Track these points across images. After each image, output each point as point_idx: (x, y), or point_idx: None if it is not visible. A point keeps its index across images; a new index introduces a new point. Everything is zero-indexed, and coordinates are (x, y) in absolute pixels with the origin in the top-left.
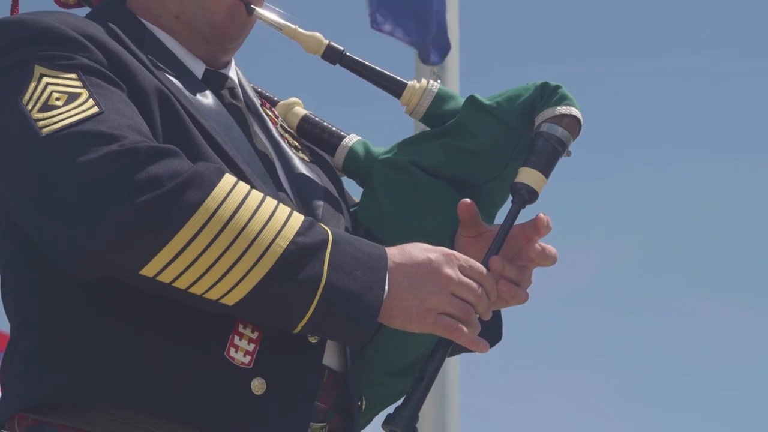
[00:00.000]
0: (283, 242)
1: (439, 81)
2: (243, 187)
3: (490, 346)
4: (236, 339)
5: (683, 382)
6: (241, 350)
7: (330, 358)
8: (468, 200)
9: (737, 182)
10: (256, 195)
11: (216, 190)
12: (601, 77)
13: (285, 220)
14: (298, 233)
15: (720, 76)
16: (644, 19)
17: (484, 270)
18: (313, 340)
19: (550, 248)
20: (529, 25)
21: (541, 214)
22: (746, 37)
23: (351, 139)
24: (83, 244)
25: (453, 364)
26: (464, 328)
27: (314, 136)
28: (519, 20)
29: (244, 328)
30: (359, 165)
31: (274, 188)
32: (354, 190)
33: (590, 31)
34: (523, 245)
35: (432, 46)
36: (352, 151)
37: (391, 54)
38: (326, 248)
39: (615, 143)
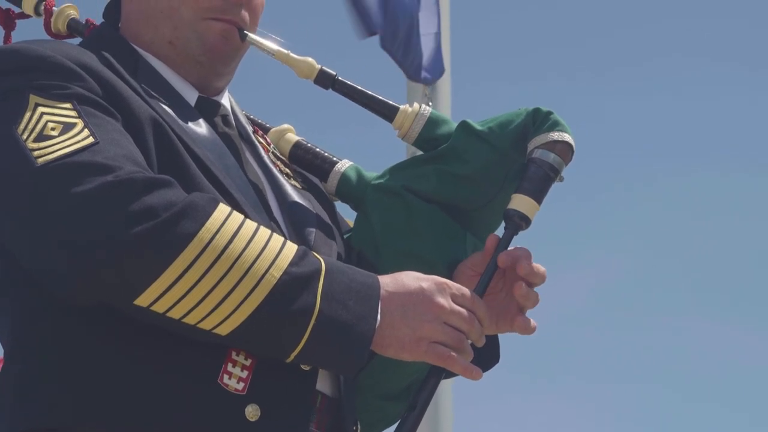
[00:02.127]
0: (276, 272)
1: (431, 104)
2: (237, 217)
3: (488, 369)
4: (230, 366)
5: (681, 404)
6: (235, 377)
7: (323, 383)
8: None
9: (731, 197)
10: (250, 225)
11: (210, 220)
12: (590, 93)
13: (278, 250)
14: (292, 263)
15: (710, 87)
16: (632, 32)
17: (477, 297)
18: (306, 367)
19: (539, 266)
20: (520, 42)
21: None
22: (740, 46)
23: (343, 165)
24: (78, 273)
25: (446, 389)
26: (457, 356)
27: (306, 162)
28: (510, 38)
29: (237, 355)
30: (352, 190)
31: (266, 217)
32: (348, 213)
33: (581, 48)
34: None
35: (425, 66)
36: (344, 177)
37: (381, 72)
38: (319, 278)
39: (606, 160)
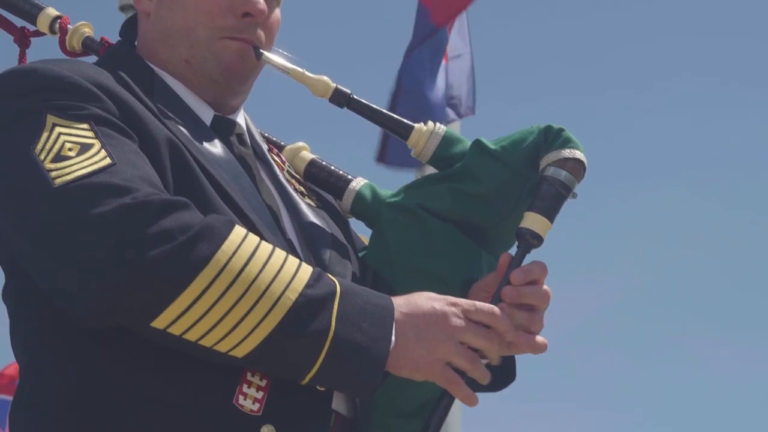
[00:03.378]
0: (292, 294)
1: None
2: (252, 239)
3: (505, 387)
4: (245, 387)
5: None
6: (250, 398)
7: (338, 402)
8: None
9: (728, 217)
10: (266, 247)
11: (226, 243)
12: (597, 111)
13: (294, 272)
14: (307, 285)
15: (722, 107)
16: (640, 52)
17: (493, 308)
18: (321, 387)
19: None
20: (529, 62)
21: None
22: (738, 68)
23: (358, 183)
24: (94, 295)
25: (455, 412)
26: (462, 383)
27: (321, 180)
28: (519, 57)
29: (253, 375)
30: (367, 208)
31: (281, 237)
32: (363, 230)
33: (588, 68)
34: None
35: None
36: (359, 195)
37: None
38: (334, 300)
39: (610, 179)
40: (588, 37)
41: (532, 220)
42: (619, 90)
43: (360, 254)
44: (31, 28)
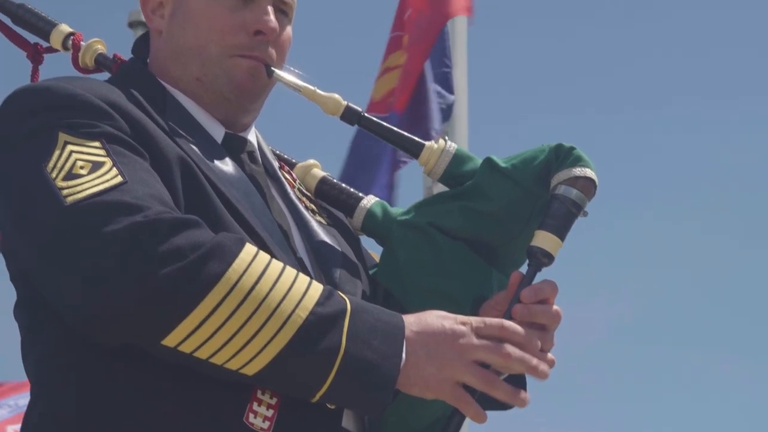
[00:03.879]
0: (302, 313)
1: (447, 138)
2: (263, 257)
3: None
4: (255, 405)
5: None
6: (260, 416)
7: (348, 420)
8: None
9: (743, 229)
10: (276, 265)
11: (237, 261)
12: (608, 128)
13: (304, 290)
14: (318, 303)
15: (735, 125)
16: (650, 69)
17: (501, 322)
18: (331, 405)
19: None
20: (537, 79)
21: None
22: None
23: (369, 201)
24: (106, 313)
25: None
26: (472, 401)
27: (332, 198)
28: (527, 74)
29: (263, 393)
30: (377, 226)
31: (292, 255)
32: (373, 247)
33: (595, 85)
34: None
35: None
36: (370, 213)
37: None
38: (345, 318)
39: (623, 196)
40: (594, 54)
41: (543, 239)
42: (633, 105)
43: (371, 272)
44: (44, 44)
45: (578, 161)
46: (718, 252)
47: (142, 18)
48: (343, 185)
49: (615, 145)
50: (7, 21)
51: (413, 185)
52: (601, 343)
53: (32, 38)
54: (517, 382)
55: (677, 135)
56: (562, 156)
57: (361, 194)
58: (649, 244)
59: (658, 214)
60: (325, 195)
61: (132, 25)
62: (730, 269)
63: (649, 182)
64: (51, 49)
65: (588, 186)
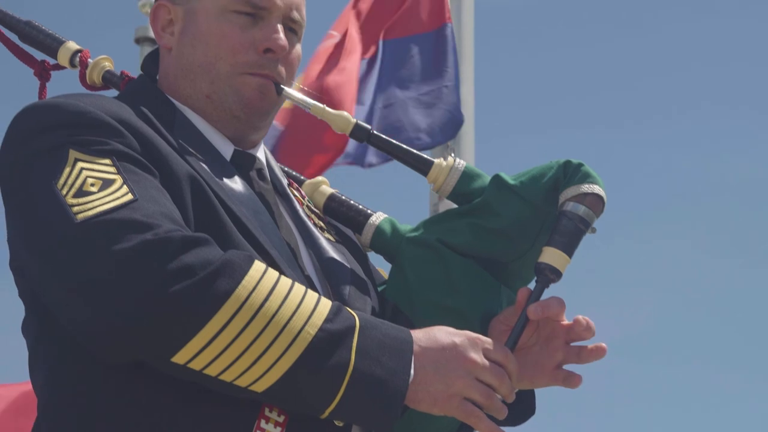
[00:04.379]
0: (312, 329)
1: (453, 155)
2: (272, 274)
3: (524, 421)
4: (263, 422)
5: None
6: None
7: None
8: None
9: (747, 243)
10: (285, 282)
11: (246, 278)
12: (620, 144)
13: (313, 307)
14: (327, 320)
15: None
16: (658, 84)
17: (508, 351)
18: (339, 423)
19: (591, 322)
20: (544, 93)
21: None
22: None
23: (378, 217)
24: (115, 330)
25: None
26: (483, 416)
27: (341, 215)
28: (534, 89)
29: (271, 411)
30: (386, 243)
31: (300, 273)
32: (381, 264)
33: (603, 100)
34: (555, 325)
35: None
36: (379, 230)
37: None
38: (353, 334)
39: (630, 210)
40: (601, 69)
41: (551, 255)
42: (640, 120)
43: (379, 288)
44: (52, 61)
45: (586, 178)
46: (719, 269)
47: (149, 34)
48: (352, 202)
49: (621, 160)
50: (14, 38)
51: (419, 202)
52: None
53: (39, 55)
54: (526, 397)
55: (678, 150)
56: (571, 172)
57: (369, 211)
58: (649, 261)
59: (658, 231)
60: (333, 212)
61: (139, 41)
62: (732, 286)
63: (651, 199)
64: (58, 66)
65: (596, 203)
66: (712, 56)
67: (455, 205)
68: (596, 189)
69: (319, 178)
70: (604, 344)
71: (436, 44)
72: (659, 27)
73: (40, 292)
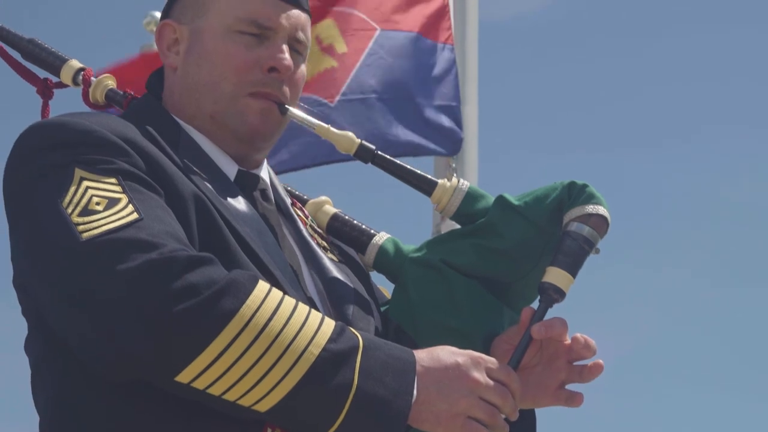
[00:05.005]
0: (315, 349)
1: (456, 174)
2: (276, 294)
3: None
4: None
5: None
6: None
7: None
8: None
9: (745, 263)
10: (289, 302)
11: (251, 297)
12: (617, 164)
13: (317, 327)
14: (330, 339)
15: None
16: (662, 105)
17: (511, 371)
18: None
19: (590, 340)
20: (548, 112)
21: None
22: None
23: (381, 238)
24: (120, 349)
25: None
26: None
27: (344, 235)
28: (538, 108)
29: (274, 431)
30: (389, 263)
31: (303, 293)
32: (384, 283)
33: (606, 120)
34: (558, 345)
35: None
36: (382, 250)
37: None
38: (357, 354)
39: (635, 228)
40: (605, 88)
41: (555, 275)
42: (644, 140)
43: (382, 308)
44: (55, 79)
45: (591, 198)
46: (717, 293)
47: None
48: (355, 222)
49: (626, 182)
50: (17, 56)
51: (422, 222)
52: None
53: (42, 73)
54: (527, 416)
55: (701, 164)
56: (575, 193)
57: (373, 231)
58: (647, 285)
59: (657, 254)
60: (336, 232)
61: None
62: (729, 309)
63: (651, 220)
64: (61, 84)
65: (600, 223)
66: (718, 72)
67: (458, 225)
68: (601, 210)
69: (323, 198)
70: (601, 361)
71: (435, 58)
72: (664, 47)
73: (44, 311)
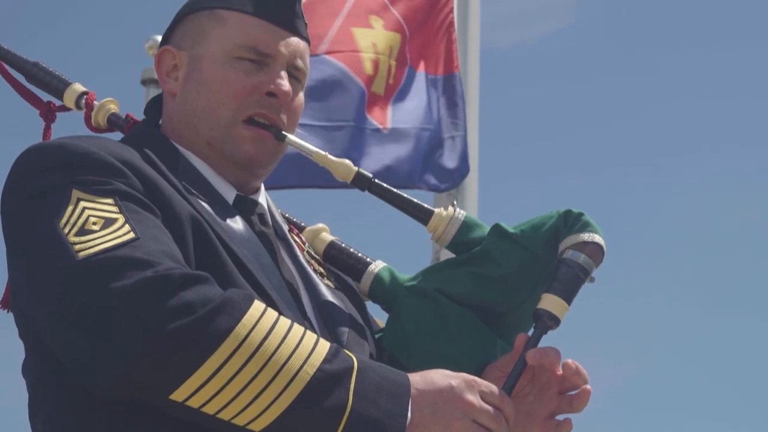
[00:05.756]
0: (310, 369)
1: (456, 202)
2: (271, 313)
3: None
4: None
5: None
6: None
7: None
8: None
9: (742, 294)
10: (285, 322)
11: (246, 316)
12: (616, 191)
13: (312, 347)
14: (325, 360)
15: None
16: (661, 129)
17: (505, 395)
18: None
19: (581, 367)
20: (548, 140)
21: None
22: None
23: (377, 266)
24: (115, 367)
25: None
26: None
27: (340, 262)
28: (538, 135)
29: None
30: (385, 291)
31: (299, 315)
32: (378, 314)
33: (606, 146)
34: (550, 375)
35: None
36: (377, 278)
37: None
38: (351, 375)
39: (631, 260)
40: (604, 117)
41: (550, 302)
42: (645, 165)
43: (376, 336)
44: (58, 102)
45: (586, 227)
46: (704, 322)
47: (156, 76)
48: (351, 250)
49: (625, 208)
50: (21, 78)
51: (421, 250)
52: (602, 409)
53: (46, 97)
54: None
55: (705, 191)
56: (571, 222)
57: (369, 259)
58: (634, 315)
59: (641, 284)
60: (333, 259)
61: (145, 82)
62: (719, 338)
63: (637, 249)
64: (64, 108)
65: (596, 252)
66: (718, 94)
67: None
68: (596, 238)
69: (320, 225)
70: (588, 387)
71: (446, 91)
72: (663, 73)
73: (41, 330)
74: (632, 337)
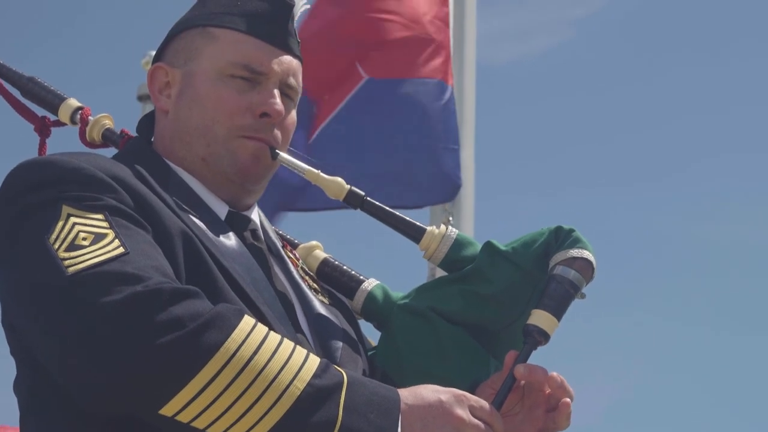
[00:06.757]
0: (300, 384)
1: (452, 219)
2: (261, 328)
3: None
4: None
5: None
6: None
7: None
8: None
9: (737, 309)
10: (274, 337)
11: (236, 331)
12: (613, 207)
13: (302, 362)
14: (315, 375)
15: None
16: (658, 144)
17: (494, 410)
18: None
19: (564, 380)
20: (543, 155)
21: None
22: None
23: (370, 284)
24: (104, 382)
25: None
26: None
27: (334, 280)
28: (533, 151)
29: None
30: (378, 309)
31: (293, 330)
32: (370, 333)
33: (602, 162)
34: (539, 394)
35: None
36: (371, 296)
37: None
38: (341, 390)
39: (623, 277)
40: (600, 131)
41: (539, 317)
42: (640, 181)
43: (369, 354)
44: (53, 117)
45: (576, 243)
46: (699, 338)
47: None
48: (345, 267)
49: (619, 221)
50: (16, 93)
51: (416, 268)
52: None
53: (40, 111)
54: None
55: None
56: (562, 238)
57: (362, 277)
58: (629, 333)
59: (638, 301)
60: (326, 277)
61: (141, 98)
62: (714, 356)
63: (635, 266)
64: (59, 123)
65: (585, 267)
66: (712, 109)
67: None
68: (586, 254)
69: (313, 242)
70: (567, 399)
71: (437, 99)
72: (655, 90)
73: (32, 346)
74: (628, 353)
